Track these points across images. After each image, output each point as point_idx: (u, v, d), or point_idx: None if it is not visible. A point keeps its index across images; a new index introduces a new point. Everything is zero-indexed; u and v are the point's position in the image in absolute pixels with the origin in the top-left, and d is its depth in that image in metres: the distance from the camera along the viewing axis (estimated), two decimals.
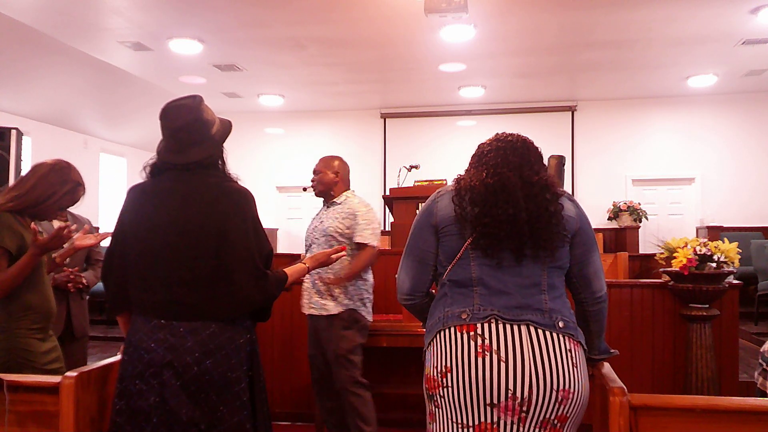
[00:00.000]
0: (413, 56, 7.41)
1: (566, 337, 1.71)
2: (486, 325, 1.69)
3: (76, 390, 1.90)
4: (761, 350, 2.54)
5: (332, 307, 3.25)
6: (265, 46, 7.02)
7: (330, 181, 3.40)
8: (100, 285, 2.62)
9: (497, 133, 1.96)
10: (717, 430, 1.73)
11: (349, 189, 3.47)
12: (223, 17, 6.13)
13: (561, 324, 1.72)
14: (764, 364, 2.50)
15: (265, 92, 9.22)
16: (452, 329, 1.72)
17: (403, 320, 3.76)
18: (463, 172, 1.93)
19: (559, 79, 8.58)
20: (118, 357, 2.04)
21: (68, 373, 1.92)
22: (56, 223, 3.24)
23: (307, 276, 3.16)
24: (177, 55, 7.21)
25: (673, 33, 6.58)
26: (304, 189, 3.67)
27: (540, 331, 1.69)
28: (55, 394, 1.90)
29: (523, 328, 1.69)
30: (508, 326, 1.69)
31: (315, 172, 3.44)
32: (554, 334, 1.69)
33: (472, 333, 1.69)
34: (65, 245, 2.52)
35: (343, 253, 2.44)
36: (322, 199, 3.51)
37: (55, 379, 1.95)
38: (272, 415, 2.07)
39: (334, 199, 3.40)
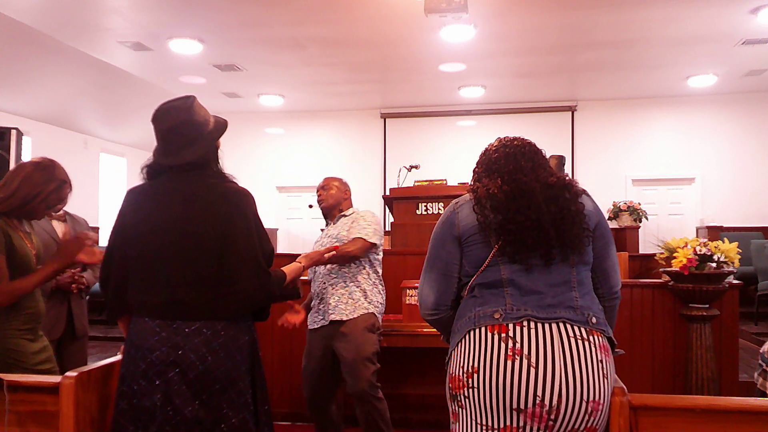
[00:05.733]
0: (413, 56, 7.41)
1: (598, 335, 1.70)
2: (518, 328, 1.66)
3: (76, 390, 1.89)
4: (761, 350, 2.54)
5: (351, 311, 3.20)
6: (265, 46, 7.02)
7: (340, 197, 3.42)
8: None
9: (500, 138, 1.95)
10: (717, 430, 1.73)
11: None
12: (223, 17, 6.13)
13: (594, 320, 1.71)
14: (764, 365, 2.50)
15: (265, 92, 9.22)
16: (483, 329, 1.69)
17: (403, 320, 3.76)
18: (471, 181, 1.91)
19: (559, 79, 8.58)
20: (119, 357, 2.04)
21: (68, 373, 1.92)
22: (55, 224, 3.24)
23: (322, 290, 3.21)
24: (177, 55, 7.20)
25: (673, 33, 6.58)
26: (310, 206, 3.62)
27: (576, 329, 1.67)
28: (55, 394, 1.90)
29: (555, 328, 1.66)
30: (540, 327, 1.66)
31: (325, 187, 3.42)
32: (585, 333, 1.67)
33: (503, 335, 1.66)
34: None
35: (334, 252, 2.49)
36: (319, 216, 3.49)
37: (55, 379, 1.95)
38: (272, 415, 2.07)
39: (343, 213, 3.40)
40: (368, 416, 3.16)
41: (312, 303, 3.33)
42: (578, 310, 1.71)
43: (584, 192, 1.85)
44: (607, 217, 9.15)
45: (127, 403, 1.86)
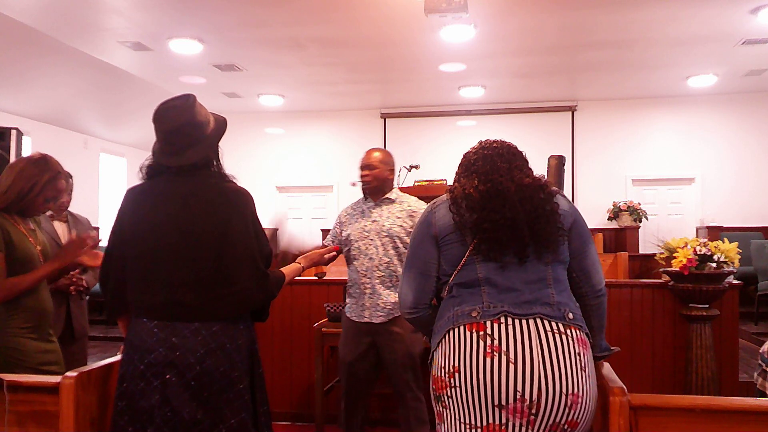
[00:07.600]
0: (413, 56, 7.40)
1: (575, 330, 1.72)
2: (495, 325, 1.69)
3: (76, 390, 1.90)
4: (761, 351, 2.54)
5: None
6: (265, 46, 7.02)
7: (385, 178, 3.23)
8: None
9: (481, 141, 2.00)
10: (717, 430, 1.73)
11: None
12: (223, 17, 6.13)
13: (570, 316, 1.74)
14: (763, 365, 2.50)
15: (265, 92, 9.22)
16: (462, 328, 1.72)
17: None
18: (452, 183, 1.95)
19: (559, 79, 8.58)
20: (118, 357, 2.04)
21: (68, 373, 1.92)
22: (57, 224, 3.24)
23: (364, 283, 3.10)
24: (177, 55, 7.20)
25: (673, 33, 6.58)
26: (353, 184, 3.39)
27: (552, 324, 1.70)
28: (55, 394, 1.90)
29: (532, 323, 1.69)
30: (518, 323, 1.69)
31: (370, 166, 3.21)
32: (562, 327, 1.70)
33: (481, 332, 1.69)
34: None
35: (334, 253, 2.47)
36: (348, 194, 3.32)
37: (55, 379, 1.95)
38: (272, 415, 2.08)
39: (388, 196, 3.24)
40: (406, 416, 3.15)
41: (354, 292, 3.19)
42: (554, 306, 1.74)
43: (559, 192, 1.89)
44: (606, 218, 9.23)
45: (125, 403, 1.86)
